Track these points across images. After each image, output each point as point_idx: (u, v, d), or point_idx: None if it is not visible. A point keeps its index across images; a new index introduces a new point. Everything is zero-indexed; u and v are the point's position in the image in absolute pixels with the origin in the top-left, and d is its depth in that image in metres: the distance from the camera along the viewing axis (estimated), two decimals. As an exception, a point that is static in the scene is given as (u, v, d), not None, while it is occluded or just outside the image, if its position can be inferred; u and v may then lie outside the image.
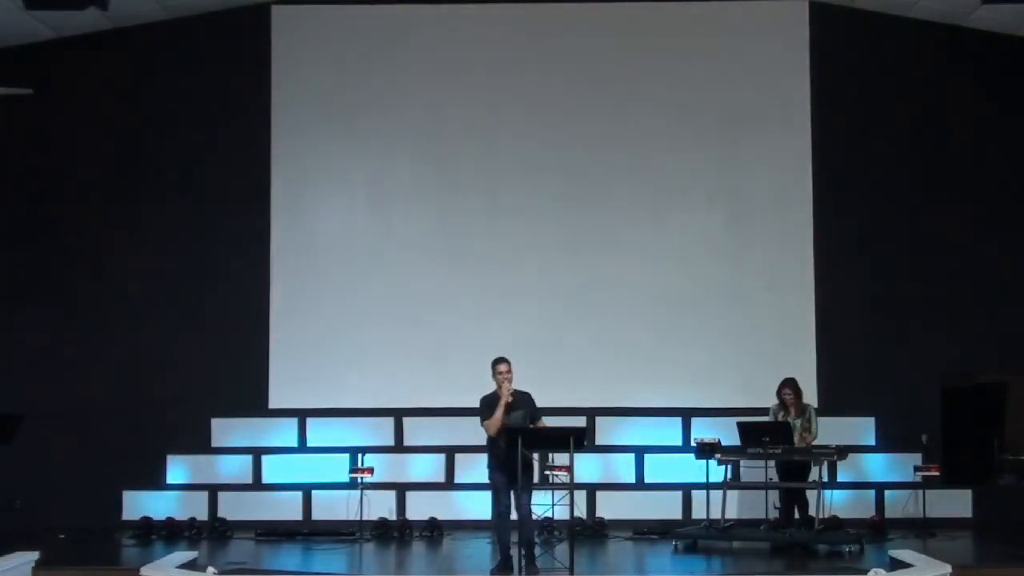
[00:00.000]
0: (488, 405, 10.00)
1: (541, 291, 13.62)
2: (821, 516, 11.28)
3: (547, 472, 10.32)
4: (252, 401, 13.48)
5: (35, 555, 9.70)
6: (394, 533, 12.15)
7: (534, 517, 10.12)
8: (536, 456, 10.02)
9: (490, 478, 10.10)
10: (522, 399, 10.01)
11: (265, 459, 13.33)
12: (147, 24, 13.64)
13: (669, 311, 13.58)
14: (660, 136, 13.76)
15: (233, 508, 12.87)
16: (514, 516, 9.91)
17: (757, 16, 13.82)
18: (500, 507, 10.00)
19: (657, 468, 13.23)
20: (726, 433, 11.93)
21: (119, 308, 13.53)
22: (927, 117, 13.66)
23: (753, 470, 11.74)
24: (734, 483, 12.05)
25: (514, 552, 9.91)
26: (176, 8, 13.52)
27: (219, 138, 13.70)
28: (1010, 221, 13.52)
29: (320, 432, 13.52)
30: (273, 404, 13.59)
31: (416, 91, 13.83)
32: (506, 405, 9.87)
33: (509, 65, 13.84)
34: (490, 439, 10.03)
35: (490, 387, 10.07)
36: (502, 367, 9.98)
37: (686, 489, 12.81)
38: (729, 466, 11.87)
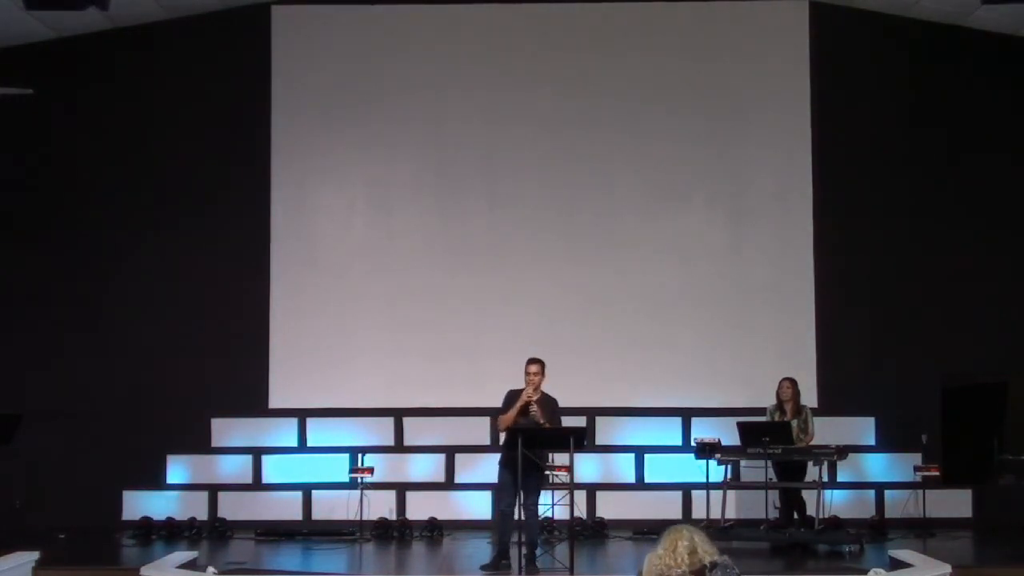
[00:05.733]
0: (509, 400, 9.98)
1: (541, 291, 13.62)
2: (821, 516, 11.29)
3: (547, 472, 10.32)
4: (252, 401, 13.48)
5: (35, 555, 9.67)
6: (394, 533, 12.13)
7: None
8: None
9: (498, 474, 10.10)
10: (545, 403, 9.95)
11: (265, 459, 13.32)
12: (147, 24, 13.64)
13: (669, 311, 13.58)
14: (660, 136, 13.75)
15: (233, 508, 12.84)
16: (521, 516, 9.90)
17: (757, 16, 13.83)
18: (502, 505, 10.00)
19: (657, 468, 13.22)
20: (726, 433, 11.94)
21: (119, 308, 13.52)
22: (927, 117, 13.65)
23: (753, 470, 11.74)
24: (734, 483, 12.06)
25: (514, 552, 9.90)
26: (176, 8, 13.52)
27: (219, 138, 13.70)
28: (1010, 221, 13.53)
29: (320, 432, 13.52)
30: (273, 404, 13.59)
31: (417, 91, 13.82)
32: (522, 406, 9.84)
33: (509, 65, 13.83)
34: (506, 437, 10.02)
35: (509, 384, 10.11)
36: (531, 368, 9.89)
37: (686, 489, 12.80)
38: (729, 466, 11.88)
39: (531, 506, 9.83)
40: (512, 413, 9.85)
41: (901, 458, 13.00)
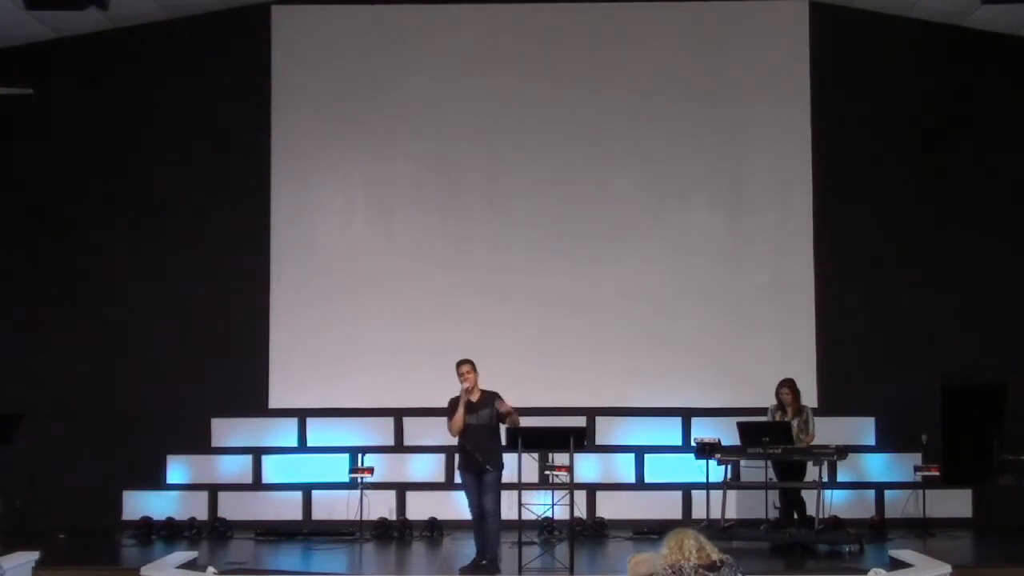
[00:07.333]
0: (452, 406, 9.99)
1: (541, 291, 13.62)
2: (821, 516, 11.29)
3: (547, 472, 10.31)
4: (252, 401, 13.48)
5: (35, 555, 9.69)
6: (394, 533, 12.14)
7: (533, 517, 10.10)
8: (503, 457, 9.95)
9: (461, 478, 10.11)
10: (488, 398, 9.99)
11: (265, 459, 13.33)
12: (147, 24, 13.64)
13: (669, 311, 13.58)
14: (660, 135, 13.76)
15: (233, 508, 12.85)
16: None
17: (757, 16, 13.83)
18: (471, 507, 10.01)
19: (657, 468, 13.22)
20: (726, 433, 11.94)
21: (119, 308, 13.53)
22: (927, 117, 13.65)
23: (753, 470, 11.74)
24: (734, 483, 12.06)
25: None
26: (176, 8, 13.52)
27: (219, 138, 13.71)
28: (1010, 221, 13.53)
29: (320, 432, 13.52)
30: (273, 404, 13.60)
31: (416, 91, 13.83)
32: (467, 404, 9.86)
33: (509, 65, 13.84)
34: (459, 440, 10.01)
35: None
36: (463, 368, 9.94)
37: (686, 489, 12.80)
38: (729, 466, 11.88)
39: (486, 505, 9.79)
40: (459, 415, 9.86)
41: (901, 458, 12.99)
